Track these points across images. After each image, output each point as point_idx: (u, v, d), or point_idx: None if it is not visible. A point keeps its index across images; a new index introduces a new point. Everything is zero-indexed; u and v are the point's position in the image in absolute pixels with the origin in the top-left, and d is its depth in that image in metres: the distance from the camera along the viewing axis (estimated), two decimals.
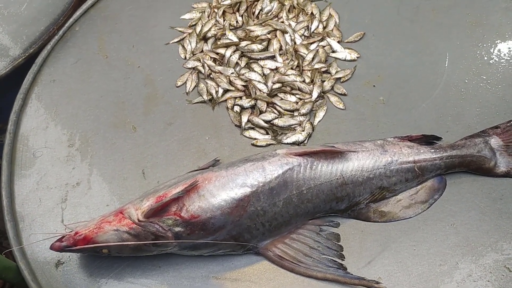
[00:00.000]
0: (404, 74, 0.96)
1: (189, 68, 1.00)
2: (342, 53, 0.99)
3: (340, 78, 0.96)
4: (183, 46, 1.04)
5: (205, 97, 0.95)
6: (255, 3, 1.08)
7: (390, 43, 1.01)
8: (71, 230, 0.73)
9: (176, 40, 1.06)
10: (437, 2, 1.06)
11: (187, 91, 0.97)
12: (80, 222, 0.77)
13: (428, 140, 0.84)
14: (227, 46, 1.00)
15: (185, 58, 1.02)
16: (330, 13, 1.06)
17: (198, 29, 1.06)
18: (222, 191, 0.72)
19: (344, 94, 0.94)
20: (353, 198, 0.77)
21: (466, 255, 0.74)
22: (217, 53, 1.00)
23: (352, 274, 0.73)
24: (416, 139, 0.83)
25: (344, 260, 0.75)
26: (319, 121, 0.91)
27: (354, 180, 0.77)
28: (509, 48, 0.97)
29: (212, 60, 1.00)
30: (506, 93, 0.91)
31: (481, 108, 0.90)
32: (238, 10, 1.07)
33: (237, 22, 1.06)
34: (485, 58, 0.97)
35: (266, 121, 0.90)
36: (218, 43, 1.02)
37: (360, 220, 0.79)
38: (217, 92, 0.95)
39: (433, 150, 0.80)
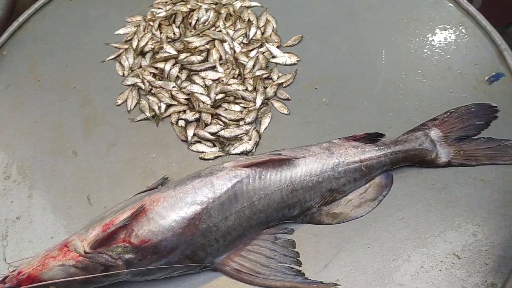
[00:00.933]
0: (344, 74, 0.98)
1: (129, 85, 0.97)
2: (282, 58, 0.99)
3: (282, 83, 0.96)
4: (120, 63, 1.01)
5: (148, 114, 0.93)
6: (191, 13, 1.06)
7: (327, 45, 1.03)
8: (15, 268, 0.69)
9: (112, 57, 1.02)
10: (369, 1, 1.09)
11: (128, 109, 0.94)
12: (24, 259, 0.72)
13: (373, 138, 0.86)
14: (166, 59, 0.98)
15: (123, 75, 0.99)
16: (267, 19, 1.06)
17: (134, 44, 1.03)
18: (172, 212, 0.70)
19: (288, 99, 0.94)
20: (305, 203, 0.78)
21: (417, 247, 0.76)
22: (156, 68, 0.98)
23: (310, 279, 0.73)
24: (360, 138, 0.85)
25: (301, 266, 0.75)
26: (265, 129, 0.91)
27: (304, 185, 0.77)
28: (440, 41, 1.01)
29: (151, 75, 0.97)
30: (440, 85, 0.95)
31: (419, 101, 0.93)
32: (174, 22, 1.05)
33: (174, 34, 1.04)
34: (419, 52, 1.00)
35: (212, 134, 0.89)
36: (157, 57, 1.00)
37: (314, 224, 0.79)
38: (159, 107, 0.93)
39: (377, 148, 0.82)
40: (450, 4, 1.07)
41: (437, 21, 1.05)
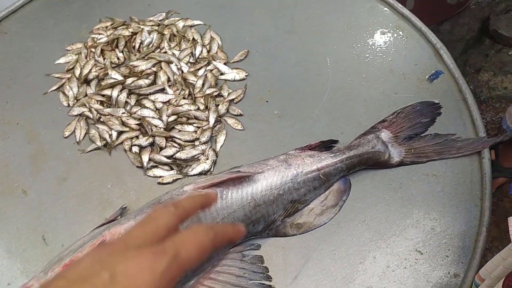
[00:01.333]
0: (293, 85, 0.99)
1: (75, 116, 0.94)
2: (231, 74, 1.00)
3: (233, 99, 0.96)
4: (63, 93, 0.98)
5: (99, 143, 0.90)
6: (134, 36, 1.04)
7: (274, 57, 1.04)
8: None
9: (54, 87, 0.99)
10: (310, 11, 1.12)
11: (77, 140, 0.91)
12: None
13: (327, 145, 0.88)
14: (112, 86, 0.96)
15: (69, 105, 0.96)
16: (211, 36, 1.06)
17: (77, 72, 1.00)
18: None
19: (240, 115, 0.95)
20: (268, 218, 0.78)
21: (381, 247, 0.78)
22: (103, 95, 0.95)
23: None
24: (315, 146, 0.86)
25: (271, 280, 0.75)
26: (221, 146, 0.90)
27: (265, 200, 0.77)
28: (380, 45, 1.05)
29: (99, 103, 0.95)
30: (385, 88, 0.98)
31: (367, 105, 0.96)
32: (117, 47, 1.03)
33: (118, 59, 1.02)
34: (361, 57, 1.03)
35: (168, 157, 0.88)
36: (102, 84, 0.97)
37: (279, 236, 0.80)
38: (111, 135, 0.90)
39: (333, 155, 0.84)
40: (385, 9, 1.12)
41: (375, 25, 1.09)
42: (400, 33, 1.07)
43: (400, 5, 1.11)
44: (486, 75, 1.66)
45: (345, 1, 1.13)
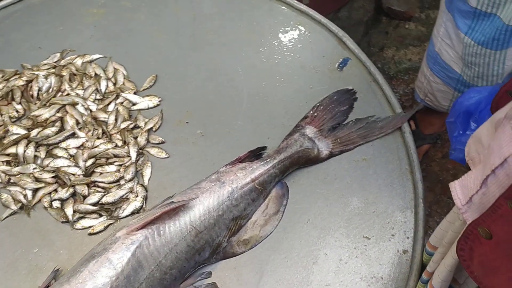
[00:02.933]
0: (209, 101, 0.97)
1: None
2: (143, 102, 0.95)
3: (151, 128, 0.92)
4: None
5: (14, 207, 0.82)
6: (30, 84, 0.97)
7: (184, 77, 1.01)
8: None
9: None
10: (209, 25, 1.10)
11: None
12: None
13: (256, 154, 0.87)
14: (16, 142, 0.88)
15: None
16: (114, 68, 1.01)
17: None
18: None
19: (163, 142, 0.91)
20: (213, 242, 0.75)
21: (330, 243, 0.78)
22: (8, 154, 0.87)
23: None
24: (245, 158, 0.85)
25: None
26: (149, 179, 0.86)
27: (206, 224, 0.74)
28: (286, 43, 1.06)
29: (5, 163, 0.86)
30: (300, 84, 0.99)
31: (286, 105, 0.96)
32: (13, 99, 0.95)
33: (17, 111, 0.94)
34: (270, 59, 1.04)
35: (94, 204, 0.82)
36: (5, 142, 0.89)
37: (229, 258, 0.77)
38: (25, 196, 0.83)
39: (264, 162, 0.82)
40: (283, 7, 1.13)
41: (277, 26, 1.09)
42: (302, 28, 1.09)
43: (296, 1, 1.13)
44: (390, 51, 1.75)
45: (242, 7, 1.13)
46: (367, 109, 0.94)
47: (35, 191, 0.84)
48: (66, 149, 0.88)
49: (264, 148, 0.88)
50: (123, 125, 0.91)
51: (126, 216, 0.82)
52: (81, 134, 0.90)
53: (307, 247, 0.78)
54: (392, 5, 1.85)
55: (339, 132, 0.90)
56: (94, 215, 0.82)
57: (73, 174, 0.84)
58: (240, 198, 0.78)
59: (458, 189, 0.55)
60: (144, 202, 0.83)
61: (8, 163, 0.87)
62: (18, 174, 0.85)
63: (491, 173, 0.50)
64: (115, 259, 0.66)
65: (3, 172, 0.85)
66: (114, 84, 0.99)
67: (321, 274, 0.75)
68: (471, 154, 0.60)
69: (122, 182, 0.85)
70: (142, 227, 0.70)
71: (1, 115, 0.93)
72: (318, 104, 0.93)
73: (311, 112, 0.92)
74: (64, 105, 0.93)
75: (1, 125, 0.92)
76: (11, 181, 0.85)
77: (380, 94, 0.96)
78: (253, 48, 1.06)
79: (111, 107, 0.95)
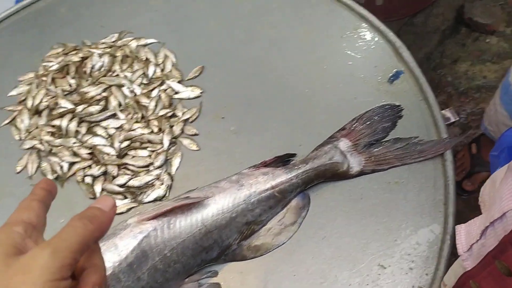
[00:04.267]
0: (250, 98, 0.96)
1: (27, 149, 0.92)
2: (185, 92, 0.97)
3: (188, 118, 0.93)
4: (15, 126, 0.95)
5: (51, 176, 0.88)
6: (84, 61, 1.02)
7: (230, 71, 1.01)
8: None
9: (7, 121, 0.96)
10: (265, 19, 1.08)
11: (29, 175, 0.89)
12: None
13: (284, 160, 0.85)
14: (62, 115, 0.93)
15: (21, 139, 0.94)
16: (165, 54, 1.03)
17: (29, 103, 0.97)
18: None
19: (196, 134, 0.92)
20: (222, 243, 0.75)
21: (342, 264, 0.75)
22: (53, 126, 0.93)
23: None
24: (271, 162, 0.83)
25: None
26: (176, 169, 0.88)
27: (217, 225, 0.74)
28: (339, 47, 1.01)
29: (50, 134, 0.92)
30: (345, 93, 0.95)
31: (327, 113, 0.93)
32: (68, 73, 1.01)
33: (70, 86, 0.99)
34: (320, 63, 1.00)
35: (121, 185, 0.85)
36: (53, 113, 0.95)
37: (237, 261, 0.77)
38: (62, 167, 0.88)
39: (287, 170, 0.80)
40: (344, 11, 1.08)
41: (334, 29, 1.05)
42: (359, 34, 1.04)
43: (357, 5, 1.07)
44: (464, 65, 1.62)
45: (302, 5, 1.10)
46: (411, 129, 0.88)
47: (71, 164, 0.88)
48: (105, 128, 0.92)
49: (293, 155, 0.86)
50: (161, 112, 0.93)
51: (149, 202, 0.84)
52: (121, 115, 0.93)
53: (318, 265, 0.75)
54: (474, 16, 1.71)
55: (375, 150, 0.85)
56: (120, 196, 0.85)
57: (107, 154, 0.88)
58: (257, 203, 0.77)
59: (463, 234, 0.51)
60: (168, 191, 0.85)
61: (52, 134, 0.93)
62: (59, 146, 0.90)
63: (490, 225, 0.45)
64: (121, 245, 0.68)
65: (46, 141, 0.91)
66: (162, 70, 1.01)
67: None
68: (484, 196, 0.55)
69: (151, 168, 0.87)
70: (154, 217, 0.71)
71: (56, 87, 0.99)
72: (359, 116, 0.89)
73: (350, 124, 0.88)
74: (110, 86, 0.97)
75: (54, 97, 0.97)
76: (52, 151, 0.90)
77: (428, 115, 0.89)
78: (305, 49, 1.03)
79: (154, 93, 0.97)
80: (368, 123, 0.88)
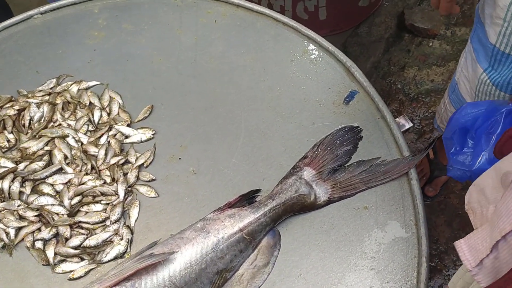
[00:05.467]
0: (205, 135, 0.92)
1: None
2: (136, 135, 0.91)
3: (143, 164, 0.88)
4: None
5: None
6: (22, 113, 0.94)
7: (181, 107, 0.96)
8: None
9: None
10: (211, 50, 1.05)
11: None
12: None
13: (249, 197, 0.81)
14: (2, 176, 0.85)
15: None
16: (110, 96, 0.97)
17: None
18: None
19: (153, 180, 0.86)
20: None
21: None
22: None
23: None
24: (236, 202, 0.79)
25: None
26: (135, 221, 0.82)
27: (187, 280, 0.69)
28: (289, 72, 0.99)
29: None
30: (301, 120, 0.92)
31: (285, 142, 0.90)
32: (5, 128, 0.93)
33: (8, 141, 0.91)
34: (273, 90, 0.98)
35: (75, 247, 0.78)
36: None
37: None
38: (8, 234, 0.80)
39: (254, 210, 0.77)
40: (291, 34, 1.06)
41: (282, 54, 1.03)
42: (309, 56, 1.02)
43: (304, 27, 1.06)
44: (411, 70, 1.65)
45: (246, 32, 1.07)
46: (372, 150, 0.87)
47: (18, 229, 0.81)
48: (52, 185, 0.85)
49: (257, 191, 0.82)
50: (113, 161, 0.87)
51: (109, 261, 0.78)
52: (68, 169, 0.86)
53: None
54: (415, 21, 1.75)
55: (339, 176, 0.83)
56: (76, 259, 0.78)
57: (57, 214, 0.81)
58: (226, 249, 0.73)
59: (466, 249, 0.50)
60: (129, 246, 0.79)
61: None
62: (3, 210, 0.82)
63: (502, 239, 0.44)
64: None
65: None
66: (109, 114, 0.95)
67: None
68: (472, 204, 0.54)
69: (107, 223, 0.81)
70: (115, 284, 0.66)
71: None
72: (319, 142, 0.87)
73: (311, 152, 0.86)
74: (53, 138, 0.90)
75: None
76: None
77: (388, 133, 0.89)
78: (255, 77, 1.00)
79: (102, 140, 0.91)
80: (329, 148, 0.86)
